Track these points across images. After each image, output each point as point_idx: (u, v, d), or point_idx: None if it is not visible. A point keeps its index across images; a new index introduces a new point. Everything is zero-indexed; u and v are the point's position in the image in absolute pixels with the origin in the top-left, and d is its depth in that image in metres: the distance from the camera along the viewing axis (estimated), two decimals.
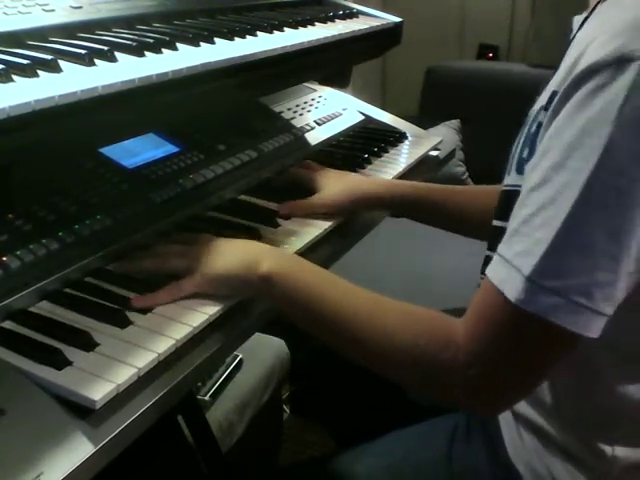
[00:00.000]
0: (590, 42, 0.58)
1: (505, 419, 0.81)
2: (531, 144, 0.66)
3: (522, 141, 0.70)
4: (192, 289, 0.72)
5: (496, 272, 0.62)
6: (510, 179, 0.72)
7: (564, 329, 0.57)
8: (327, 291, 0.71)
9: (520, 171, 0.68)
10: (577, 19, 0.73)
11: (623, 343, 0.67)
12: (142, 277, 0.74)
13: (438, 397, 0.72)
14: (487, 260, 0.76)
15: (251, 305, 0.76)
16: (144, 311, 0.69)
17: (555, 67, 0.70)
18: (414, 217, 1.05)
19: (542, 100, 0.66)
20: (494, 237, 0.70)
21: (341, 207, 0.97)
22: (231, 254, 0.75)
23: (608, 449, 0.70)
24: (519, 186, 0.66)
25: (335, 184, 0.99)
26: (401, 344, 0.66)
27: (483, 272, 0.77)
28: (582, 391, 0.71)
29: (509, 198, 0.68)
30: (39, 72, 0.63)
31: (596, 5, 0.68)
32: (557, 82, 0.62)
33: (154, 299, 0.71)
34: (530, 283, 0.57)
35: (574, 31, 0.72)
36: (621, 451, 0.70)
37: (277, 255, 0.76)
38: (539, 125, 0.64)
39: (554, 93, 0.62)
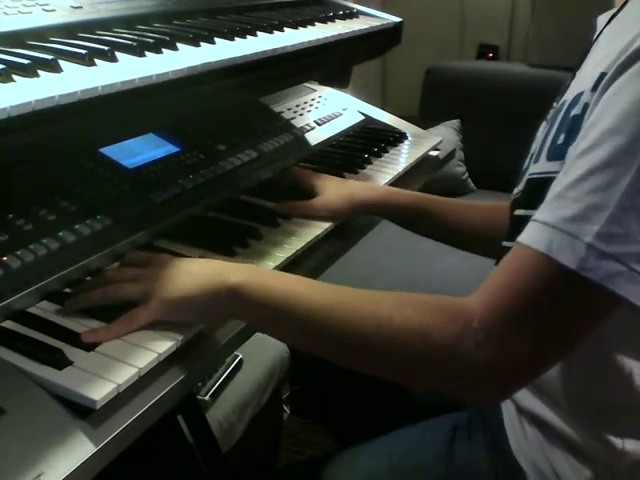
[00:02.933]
0: None
1: (508, 413, 0.81)
2: (570, 128, 0.64)
3: (556, 127, 0.68)
4: (149, 317, 0.66)
5: (537, 238, 0.58)
6: (538, 167, 0.70)
7: (619, 297, 0.55)
8: (304, 291, 0.66)
9: (552, 157, 0.67)
10: (601, 19, 0.74)
11: (636, 334, 0.66)
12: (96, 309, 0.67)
13: (444, 381, 0.63)
14: (504, 251, 0.75)
15: None
16: None
17: (574, 67, 0.70)
18: (410, 228, 1.05)
19: (583, 85, 0.64)
20: (516, 227, 0.69)
21: (338, 212, 0.97)
22: (191, 274, 0.68)
23: (618, 442, 0.70)
24: (549, 173, 0.65)
25: (334, 189, 0.99)
26: (402, 322, 0.60)
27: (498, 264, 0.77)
28: (592, 383, 0.71)
29: (537, 186, 0.67)
30: (39, 72, 0.63)
31: (626, 2, 0.68)
32: (606, 64, 0.61)
33: (107, 333, 0.64)
34: (592, 249, 0.55)
35: (597, 31, 0.73)
36: (631, 444, 0.70)
37: (242, 267, 0.70)
38: (584, 107, 0.62)
39: (602, 75, 0.60)
